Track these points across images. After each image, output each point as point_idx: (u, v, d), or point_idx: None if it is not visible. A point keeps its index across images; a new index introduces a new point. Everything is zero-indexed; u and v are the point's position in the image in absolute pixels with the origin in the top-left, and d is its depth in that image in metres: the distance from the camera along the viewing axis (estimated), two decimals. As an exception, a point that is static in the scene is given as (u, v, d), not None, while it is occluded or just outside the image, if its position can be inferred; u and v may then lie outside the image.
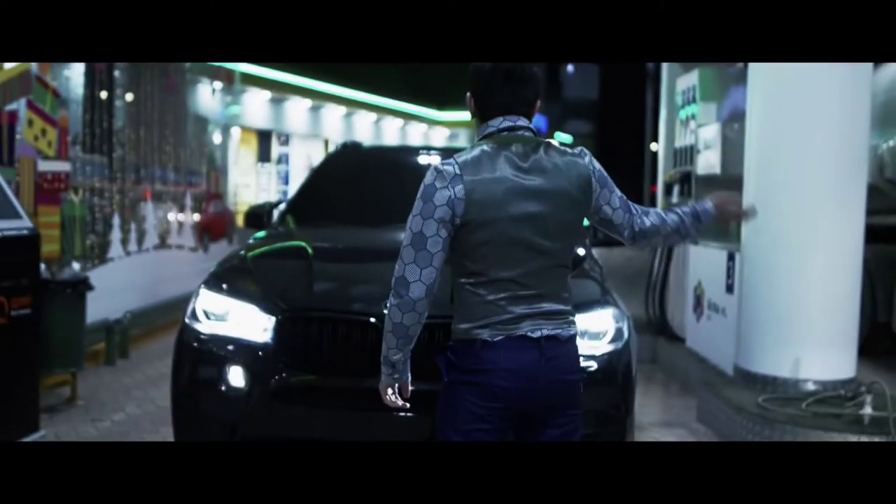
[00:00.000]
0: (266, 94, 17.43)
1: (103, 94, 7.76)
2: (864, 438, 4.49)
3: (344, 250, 4.30)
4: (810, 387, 5.18)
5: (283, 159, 18.63)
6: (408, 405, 2.61)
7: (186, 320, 3.73)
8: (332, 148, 20.83)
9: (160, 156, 9.12)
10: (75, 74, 7.38)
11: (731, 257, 5.96)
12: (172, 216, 9.29)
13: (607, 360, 3.50)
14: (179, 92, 9.71)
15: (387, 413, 3.18)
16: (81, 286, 5.54)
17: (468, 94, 2.51)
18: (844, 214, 5.24)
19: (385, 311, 2.72)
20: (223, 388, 3.49)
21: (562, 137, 39.59)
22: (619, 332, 3.59)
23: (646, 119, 18.04)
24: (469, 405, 2.42)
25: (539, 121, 24.22)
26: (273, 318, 3.49)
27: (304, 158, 19.40)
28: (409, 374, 2.58)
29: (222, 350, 3.56)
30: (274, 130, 18.46)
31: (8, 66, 6.06)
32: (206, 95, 10.83)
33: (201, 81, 10.68)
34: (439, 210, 2.36)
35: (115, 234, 7.81)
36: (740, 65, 6.21)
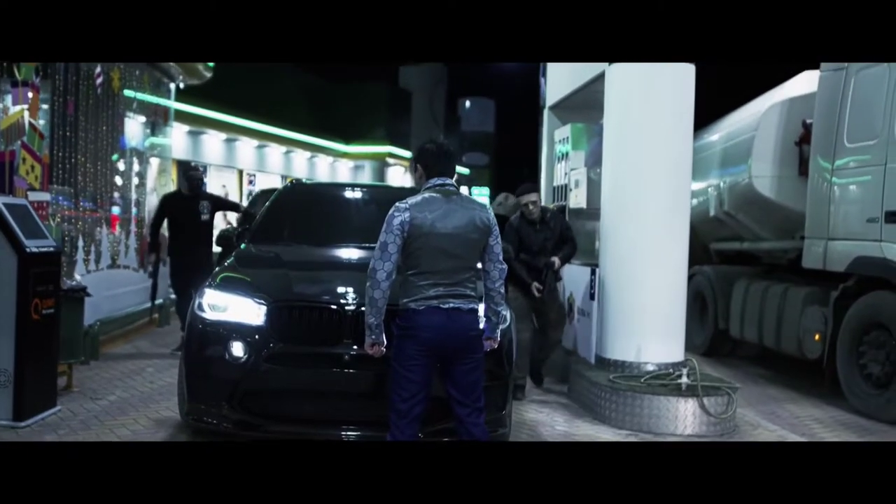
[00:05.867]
0: (185, 128, 18.54)
1: (68, 133, 9.00)
2: (681, 399, 6.22)
3: (305, 260, 5.80)
4: (650, 367, 6.81)
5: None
6: (383, 349, 4.12)
7: (196, 311, 5.16)
8: (245, 178, 22.14)
9: (110, 187, 10.36)
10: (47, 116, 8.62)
11: (593, 272, 7.62)
12: (121, 240, 10.51)
13: (496, 336, 5.07)
14: (125, 129, 10.99)
15: (343, 369, 4.81)
16: (81, 293, 6.85)
17: (415, 162, 4.13)
18: (672, 238, 6.93)
19: (342, 301, 4.42)
20: (227, 356, 4.92)
21: (460, 170, 41.20)
22: (503, 317, 5.17)
23: (538, 152, 19.37)
24: (407, 349, 4.00)
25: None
26: (264, 307, 4.96)
27: (219, 188, 20.54)
28: (385, 339, 4.10)
29: (224, 331, 5.00)
30: (193, 161, 19.58)
31: (11, 111, 7.32)
32: (145, 131, 12.08)
33: (138, 118, 11.88)
34: (395, 228, 3.96)
35: (80, 255, 9.04)
36: (601, 122, 7.95)
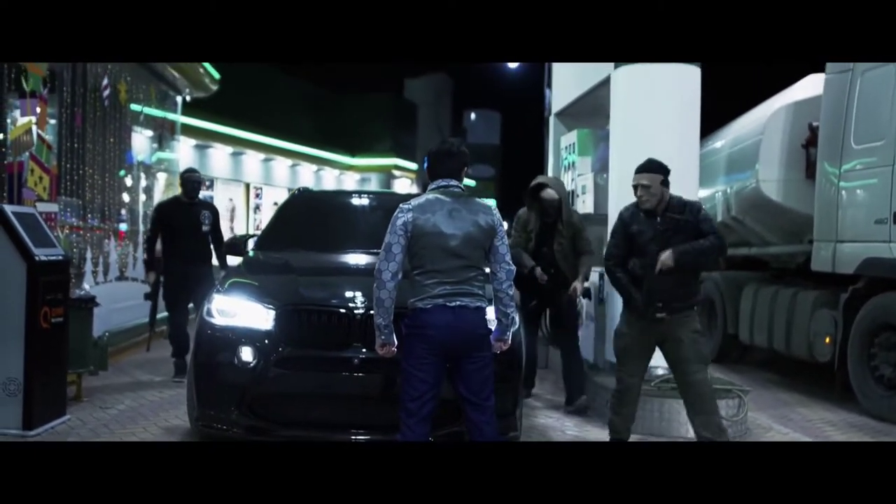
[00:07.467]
0: (192, 142, 18.60)
1: (76, 145, 9.04)
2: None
3: (312, 266, 5.81)
4: (660, 371, 6.80)
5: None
6: (394, 350, 4.12)
7: (204, 317, 5.17)
8: (252, 191, 22.19)
9: (119, 199, 10.40)
10: (56, 126, 8.66)
11: (601, 276, 7.63)
12: (128, 252, 10.54)
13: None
14: (132, 143, 11.03)
15: (352, 373, 4.81)
16: (90, 303, 6.87)
17: (425, 163, 4.16)
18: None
19: (351, 305, 4.43)
20: (236, 361, 4.92)
21: (466, 182, 41.12)
22: (513, 319, 5.17)
23: (544, 162, 19.38)
24: (415, 348, 4.00)
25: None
26: (273, 312, 4.96)
27: (226, 201, 20.61)
28: (395, 340, 4.10)
29: (234, 336, 5.00)
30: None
31: (20, 122, 7.37)
32: (152, 144, 12.13)
33: (145, 132, 11.93)
34: (399, 229, 4.00)
35: (88, 267, 9.07)
36: (608, 127, 7.94)
